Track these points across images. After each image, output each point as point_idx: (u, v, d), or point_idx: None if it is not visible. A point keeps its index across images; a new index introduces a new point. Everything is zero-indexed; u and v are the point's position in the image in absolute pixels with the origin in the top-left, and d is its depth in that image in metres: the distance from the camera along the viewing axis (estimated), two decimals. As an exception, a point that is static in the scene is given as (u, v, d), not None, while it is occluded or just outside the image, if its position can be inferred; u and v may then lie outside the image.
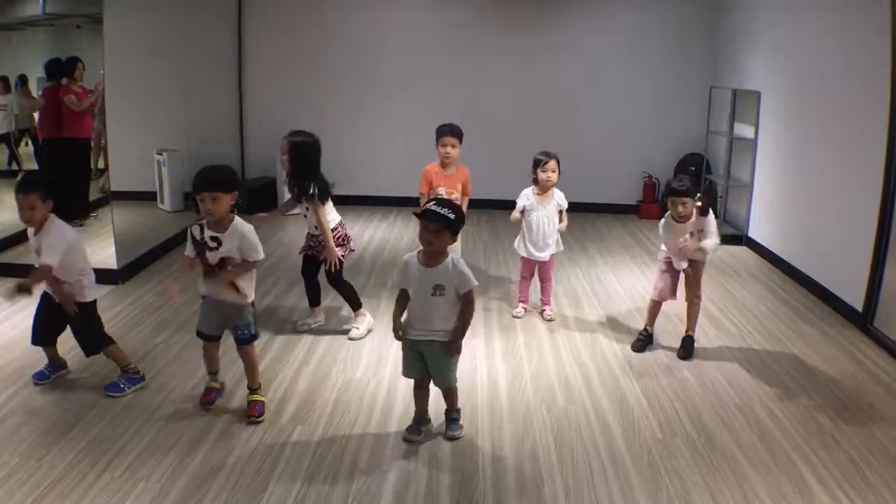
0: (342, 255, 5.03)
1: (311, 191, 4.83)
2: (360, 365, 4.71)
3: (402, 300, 3.72)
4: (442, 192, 5.49)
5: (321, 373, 4.59)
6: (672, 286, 4.92)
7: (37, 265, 3.93)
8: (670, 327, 5.24)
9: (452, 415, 3.87)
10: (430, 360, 3.72)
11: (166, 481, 3.38)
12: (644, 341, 5.05)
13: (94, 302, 4.23)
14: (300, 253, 5.23)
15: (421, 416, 3.90)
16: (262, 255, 3.90)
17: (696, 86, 9.04)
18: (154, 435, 3.78)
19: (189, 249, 3.92)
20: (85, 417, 3.93)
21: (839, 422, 4.09)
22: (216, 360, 4.19)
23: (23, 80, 7.58)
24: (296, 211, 5.11)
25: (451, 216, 3.53)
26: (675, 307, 5.10)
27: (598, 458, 3.69)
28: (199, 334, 4.07)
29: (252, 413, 3.97)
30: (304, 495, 3.32)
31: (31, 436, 3.73)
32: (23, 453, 3.57)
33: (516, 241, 5.63)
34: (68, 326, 4.23)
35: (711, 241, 4.72)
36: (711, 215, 4.78)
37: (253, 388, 4.08)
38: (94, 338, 4.24)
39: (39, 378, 4.29)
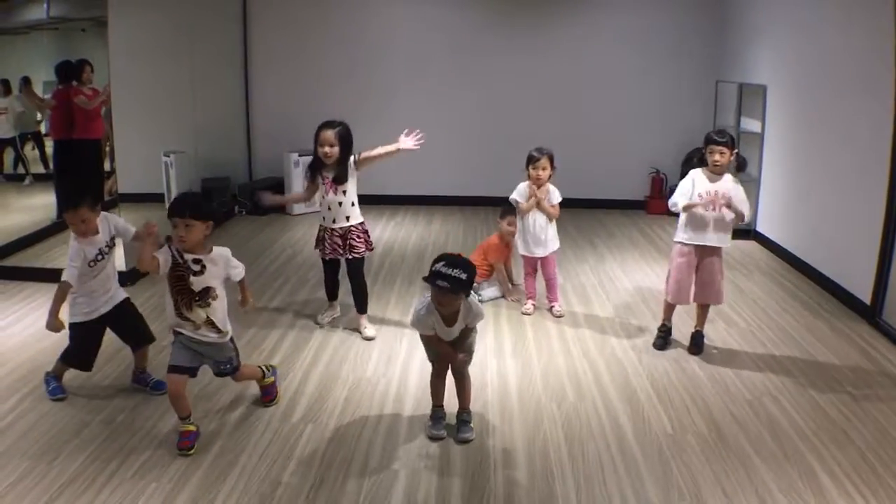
0: (372, 248, 5.22)
1: (352, 158, 5.03)
2: (371, 363, 4.72)
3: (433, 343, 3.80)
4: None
5: (332, 371, 4.60)
6: (688, 284, 4.84)
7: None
8: (679, 322, 5.23)
9: (464, 416, 3.87)
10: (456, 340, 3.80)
11: (178, 481, 3.39)
12: (664, 337, 5.03)
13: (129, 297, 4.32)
14: (324, 257, 5.19)
15: (440, 410, 3.91)
16: (242, 269, 3.88)
17: (702, 80, 9.02)
18: (165, 436, 3.79)
19: (162, 259, 3.58)
20: (95, 420, 3.95)
21: (849, 415, 4.08)
22: (185, 402, 3.72)
23: (26, 81, 7.60)
24: (315, 204, 5.20)
25: (464, 276, 3.45)
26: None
27: (609, 453, 3.69)
28: (172, 368, 3.68)
29: (266, 399, 4.12)
30: (315, 494, 3.33)
31: (42, 438, 3.75)
32: (34, 455, 3.58)
33: (517, 238, 5.65)
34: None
35: (744, 208, 4.72)
36: (739, 186, 4.75)
37: (260, 379, 4.12)
38: (145, 325, 4.36)
39: (57, 393, 4.17)
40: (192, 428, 3.72)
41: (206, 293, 3.65)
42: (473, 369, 4.58)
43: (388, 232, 8.16)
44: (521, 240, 5.62)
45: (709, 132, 4.82)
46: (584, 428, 3.94)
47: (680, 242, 4.83)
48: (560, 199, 5.53)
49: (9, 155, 7.89)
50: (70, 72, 7.28)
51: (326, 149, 4.92)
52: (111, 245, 4.10)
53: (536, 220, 5.50)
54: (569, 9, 9.13)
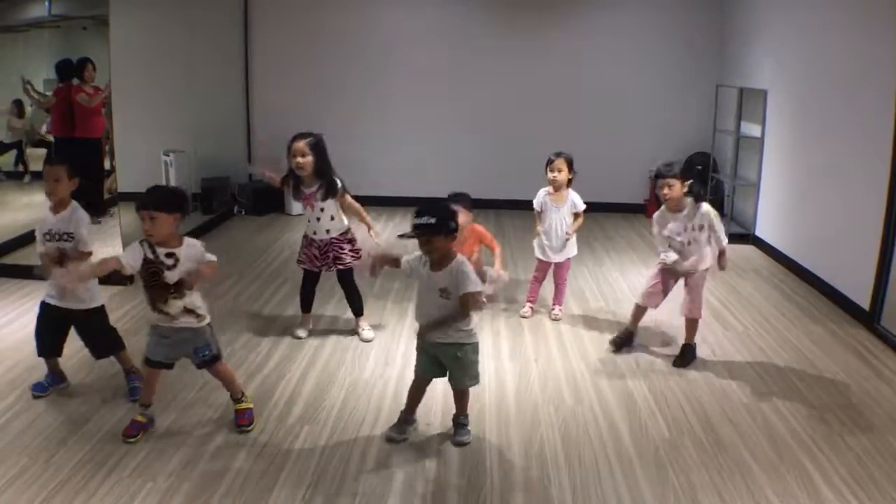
0: (359, 255, 5.04)
1: (339, 184, 4.91)
2: (368, 366, 4.71)
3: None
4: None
5: (328, 373, 4.59)
6: (662, 294, 4.88)
7: (44, 252, 3.95)
8: (678, 326, 5.23)
9: (461, 419, 3.86)
10: (448, 363, 3.73)
11: (174, 482, 3.39)
12: (623, 341, 5.02)
13: (104, 306, 4.20)
14: (307, 267, 5.12)
15: (407, 417, 3.90)
16: (214, 258, 3.74)
17: (702, 84, 9.03)
18: (161, 436, 3.79)
19: (130, 258, 3.56)
20: (91, 419, 3.94)
21: (846, 420, 4.08)
22: (153, 392, 3.87)
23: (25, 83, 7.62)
24: (305, 212, 5.06)
25: (433, 220, 3.48)
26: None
27: (606, 456, 3.69)
28: (150, 362, 3.78)
29: (241, 422, 3.86)
30: (312, 495, 3.32)
31: (38, 437, 3.75)
32: (31, 454, 3.58)
33: (535, 241, 5.65)
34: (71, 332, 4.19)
35: (724, 243, 4.71)
36: (710, 210, 4.71)
37: (237, 398, 3.94)
38: (107, 341, 4.20)
39: (38, 390, 4.19)
40: (141, 419, 3.79)
41: (181, 285, 3.62)
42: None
43: (387, 233, 8.14)
44: (538, 244, 5.61)
45: (658, 165, 4.82)
46: (581, 432, 3.93)
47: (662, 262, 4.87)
48: (584, 207, 5.51)
49: (10, 155, 7.91)
50: (71, 70, 7.29)
51: (299, 159, 4.82)
52: (64, 239, 3.97)
53: (558, 224, 5.47)
54: (568, 12, 9.13)
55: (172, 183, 8.30)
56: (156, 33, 7.97)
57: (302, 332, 5.16)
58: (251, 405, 3.97)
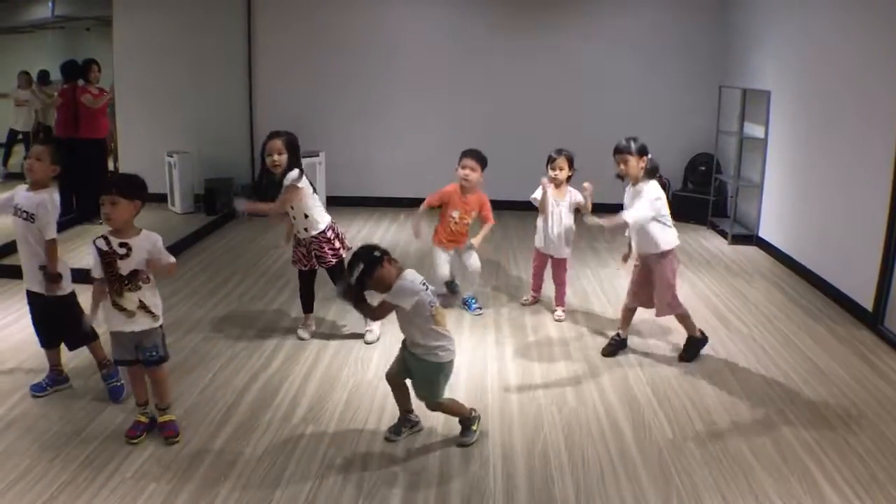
0: (342, 253, 5.04)
1: (294, 176, 4.79)
2: (371, 366, 4.71)
3: None
4: (455, 216, 5.45)
5: (332, 374, 4.60)
6: (644, 289, 4.87)
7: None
8: (680, 327, 5.23)
9: (467, 421, 3.85)
10: (412, 370, 3.75)
11: (177, 482, 3.39)
12: (616, 346, 5.01)
13: (74, 293, 4.20)
14: (299, 266, 5.15)
15: (405, 416, 3.90)
16: (174, 259, 3.74)
17: (705, 85, 9.01)
18: (164, 437, 3.79)
19: (96, 269, 3.62)
20: (95, 420, 3.95)
21: (849, 422, 4.08)
22: (143, 388, 3.87)
23: (44, 75, 7.63)
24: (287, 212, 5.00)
25: (361, 266, 3.52)
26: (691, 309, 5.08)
27: (609, 458, 3.69)
28: (119, 362, 3.85)
29: (168, 434, 3.77)
30: (315, 495, 3.33)
31: (42, 438, 3.75)
32: (34, 455, 3.59)
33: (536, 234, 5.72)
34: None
35: (625, 215, 4.70)
36: (651, 188, 4.78)
37: (162, 408, 3.85)
38: (78, 331, 4.10)
39: (37, 390, 4.20)
40: (143, 419, 3.82)
41: (135, 276, 3.61)
42: (474, 371, 4.61)
43: (391, 234, 8.15)
44: (539, 234, 5.66)
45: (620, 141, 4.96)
46: (585, 432, 3.93)
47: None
48: (585, 203, 5.55)
49: (17, 156, 7.92)
50: (76, 71, 7.31)
51: (275, 157, 4.78)
52: (25, 217, 3.99)
53: (558, 218, 5.54)
54: (571, 13, 9.13)
55: (176, 184, 8.33)
56: (159, 34, 7.99)
57: (305, 333, 5.16)
58: (174, 417, 3.88)
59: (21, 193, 4.03)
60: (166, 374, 3.92)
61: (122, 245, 3.59)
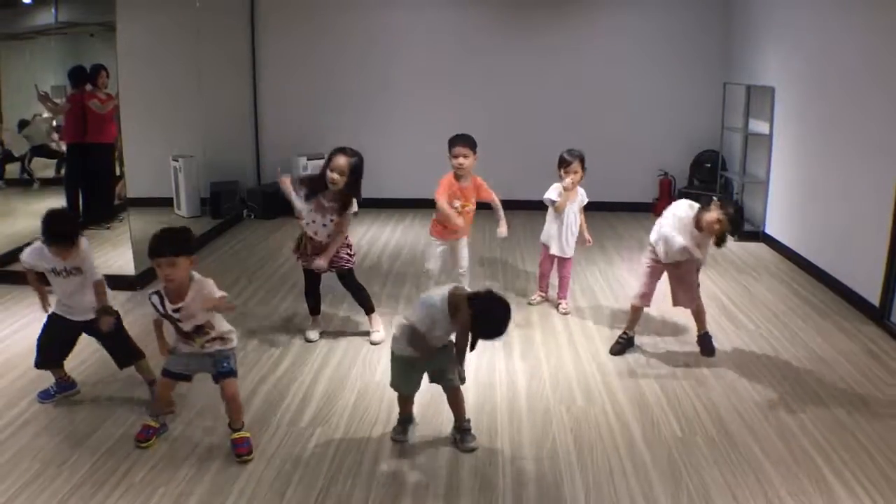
0: (353, 256, 5.10)
1: (355, 208, 4.89)
2: (379, 367, 4.71)
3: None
4: (457, 205, 5.41)
5: (340, 375, 4.60)
6: (652, 290, 4.90)
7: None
8: (689, 324, 5.22)
9: (464, 425, 3.81)
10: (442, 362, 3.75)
11: (186, 486, 3.40)
12: (624, 345, 5.00)
13: (119, 317, 4.20)
14: (302, 264, 5.17)
15: (407, 417, 3.91)
16: (221, 294, 3.67)
17: (709, 82, 9.01)
18: (173, 441, 3.80)
19: (155, 314, 3.68)
20: (104, 425, 3.96)
21: (857, 417, 4.07)
22: (165, 404, 3.90)
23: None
24: (305, 221, 4.96)
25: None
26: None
27: (618, 456, 3.69)
28: (168, 373, 3.77)
29: (241, 451, 3.66)
30: (324, 497, 3.33)
31: (51, 442, 3.77)
32: (43, 459, 3.60)
33: (544, 234, 5.74)
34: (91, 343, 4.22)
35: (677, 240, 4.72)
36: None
37: (236, 428, 3.77)
38: (128, 349, 4.22)
39: (44, 397, 4.20)
40: (154, 424, 3.81)
41: (200, 330, 3.65)
42: (482, 371, 4.61)
43: (397, 236, 8.16)
44: (549, 235, 5.68)
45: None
46: (594, 431, 3.93)
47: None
48: (585, 202, 5.61)
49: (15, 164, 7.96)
50: (84, 76, 7.35)
51: (336, 175, 4.70)
52: (73, 273, 4.01)
53: (571, 218, 5.59)
54: (575, 11, 9.13)
55: (181, 187, 8.33)
56: (163, 39, 7.99)
57: (313, 335, 5.16)
58: (248, 434, 3.79)
59: (48, 256, 3.97)
60: (237, 389, 3.82)
61: (176, 311, 3.58)
